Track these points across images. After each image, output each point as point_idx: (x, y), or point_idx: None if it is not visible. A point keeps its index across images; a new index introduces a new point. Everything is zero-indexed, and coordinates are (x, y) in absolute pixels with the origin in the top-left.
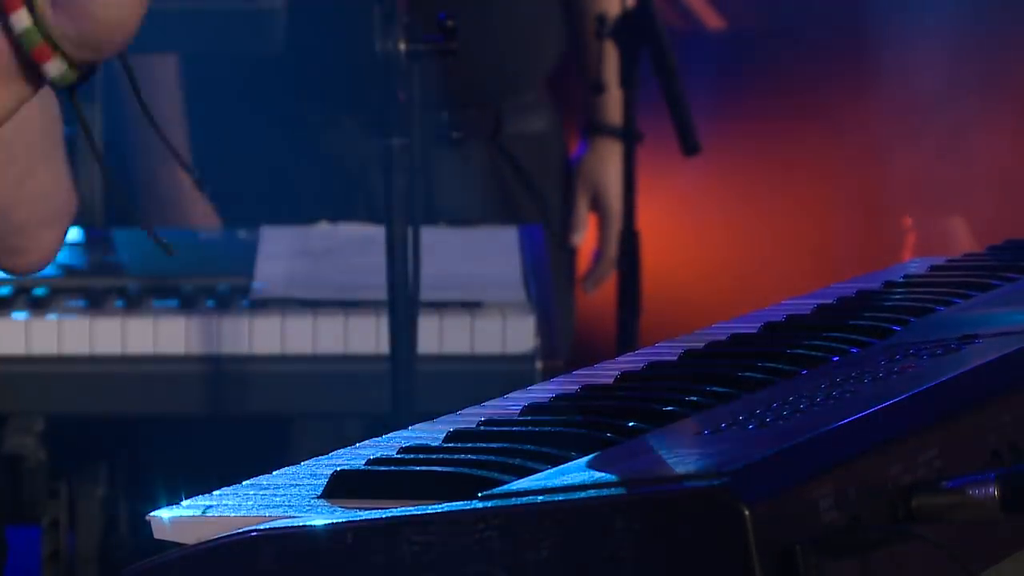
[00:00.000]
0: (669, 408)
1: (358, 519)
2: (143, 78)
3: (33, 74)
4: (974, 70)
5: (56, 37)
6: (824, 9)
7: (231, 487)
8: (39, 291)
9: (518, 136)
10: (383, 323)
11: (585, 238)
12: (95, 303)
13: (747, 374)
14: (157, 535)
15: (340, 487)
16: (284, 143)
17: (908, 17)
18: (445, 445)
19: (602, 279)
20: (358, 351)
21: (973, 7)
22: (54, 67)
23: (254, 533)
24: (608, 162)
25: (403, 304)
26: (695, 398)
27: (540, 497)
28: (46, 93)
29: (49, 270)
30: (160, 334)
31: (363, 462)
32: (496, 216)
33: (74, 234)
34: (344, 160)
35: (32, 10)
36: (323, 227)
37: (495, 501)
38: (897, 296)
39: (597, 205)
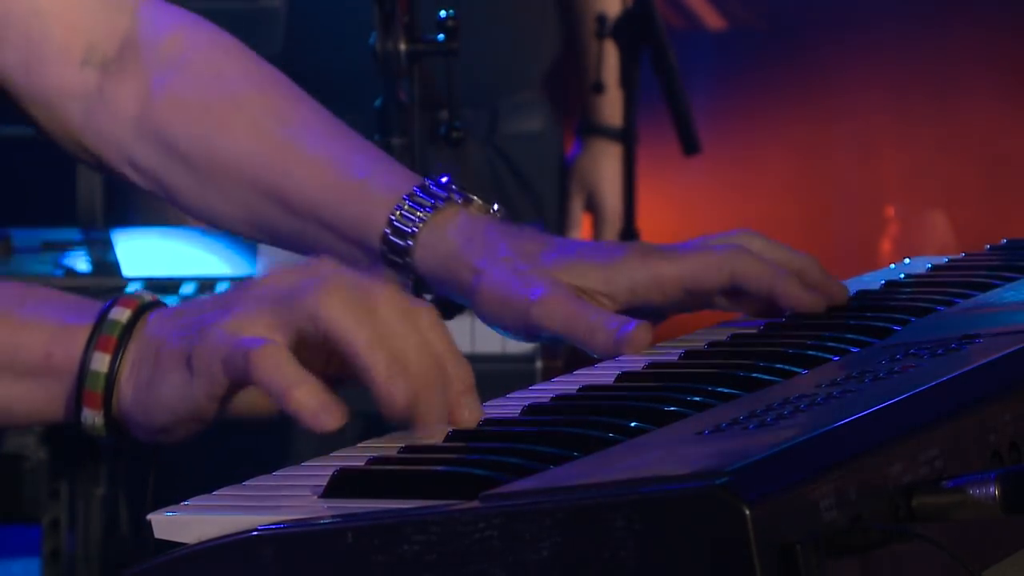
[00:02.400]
0: (670, 408)
1: (359, 518)
2: None
3: (68, 405)
4: (967, 70)
5: (115, 404)
6: (823, 9)
7: (232, 487)
8: None
9: (514, 135)
10: None
11: (580, 237)
12: None
13: (748, 374)
14: (157, 535)
15: (341, 486)
16: None
17: (905, 17)
18: (446, 444)
19: None
20: None
21: (970, 8)
22: (92, 416)
23: (255, 533)
24: (603, 162)
25: None
26: (696, 398)
27: (541, 497)
28: None
29: (48, 270)
30: None
31: (364, 461)
32: None
33: (73, 234)
34: None
35: (116, 360)
36: None
37: (495, 501)
38: (898, 295)
39: (592, 205)
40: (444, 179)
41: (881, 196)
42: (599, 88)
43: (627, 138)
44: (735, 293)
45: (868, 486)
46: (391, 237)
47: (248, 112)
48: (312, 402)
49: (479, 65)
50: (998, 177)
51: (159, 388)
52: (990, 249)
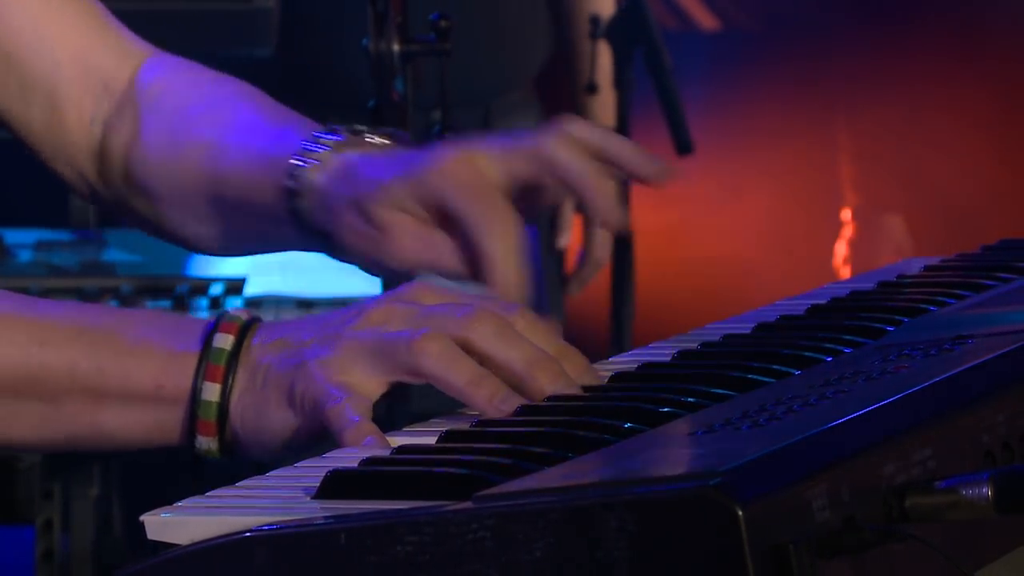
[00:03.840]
0: (663, 409)
1: (352, 519)
2: None
3: (181, 431)
4: (956, 70)
5: (227, 429)
6: (817, 9)
7: (225, 488)
8: (31, 291)
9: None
10: None
11: (571, 239)
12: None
13: (741, 374)
14: (150, 536)
15: (334, 487)
16: None
17: (900, 18)
18: (440, 445)
19: (587, 280)
20: None
21: (962, 11)
22: (207, 442)
23: (248, 534)
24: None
25: None
26: (689, 399)
27: (534, 498)
28: None
29: (41, 270)
30: None
31: (357, 462)
32: None
33: (66, 234)
34: None
35: (226, 388)
36: None
37: (489, 501)
38: (891, 296)
39: (583, 207)
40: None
41: (882, 195)
42: (592, 89)
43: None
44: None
45: (861, 486)
46: (287, 183)
47: (196, 131)
48: (368, 431)
49: (471, 66)
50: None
51: (270, 421)
52: (983, 249)
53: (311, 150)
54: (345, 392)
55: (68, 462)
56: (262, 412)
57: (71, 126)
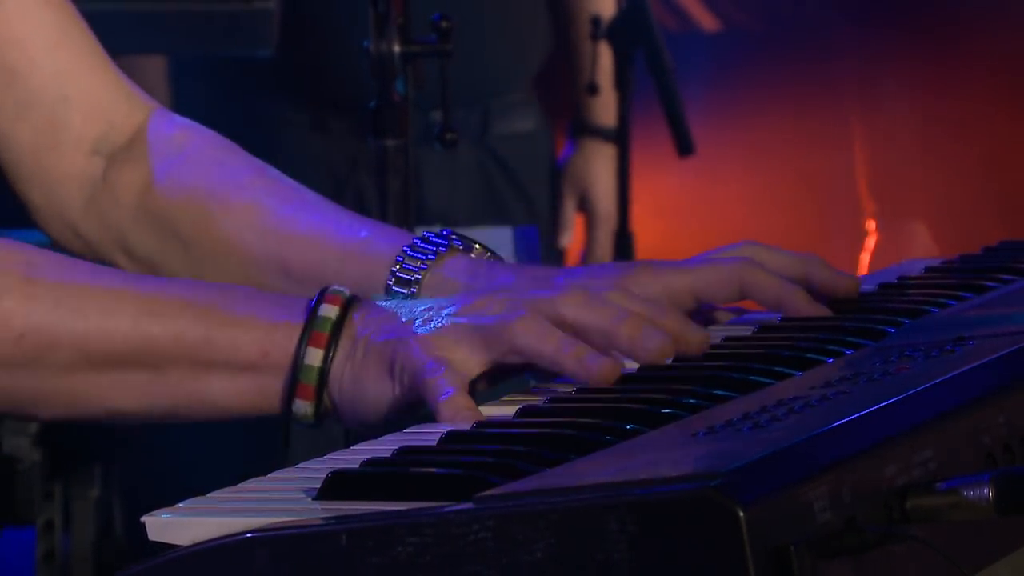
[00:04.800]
0: (664, 410)
1: (352, 520)
2: (138, 80)
3: (282, 397)
4: (961, 74)
5: (326, 395)
6: (818, 10)
7: (226, 489)
8: None
9: (506, 136)
10: None
11: (573, 239)
12: None
13: (742, 376)
14: (151, 537)
15: (335, 489)
16: (276, 144)
17: (899, 20)
18: (441, 447)
19: None
20: None
21: (962, 11)
22: (304, 406)
23: (249, 535)
24: (595, 164)
25: None
26: (690, 400)
27: (535, 499)
28: None
29: None
30: None
31: (358, 464)
32: (485, 217)
33: None
34: (335, 161)
35: (328, 354)
36: None
37: (489, 503)
38: (891, 298)
39: (585, 207)
40: (444, 232)
41: (900, 200)
42: (593, 89)
43: (621, 139)
44: None
45: (862, 488)
46: (395, 288)
47: (250, 193)
48: (463, 403)
49: (472, 66)
50: (991, 183)
51: (366, 390)
52: (984, 251)
53: (413, 257)
54: (442, 366)
55: (69, 463)
56: (360, 381)
57: (65, 152)
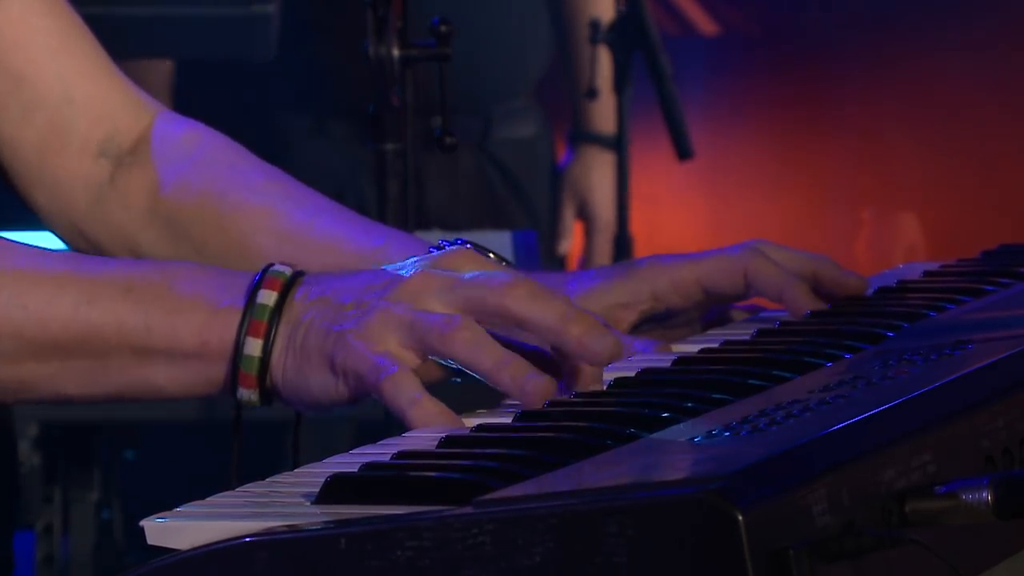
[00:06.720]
0: (663, 414)
1: (352, 525)
2: (141, 84)
3: (224, 383)
4: (958, 75)
5: (268, 380)
6: (817, 14)
7: (225, 493)
8: None
9: (506, 141)
10: None
11: (572, 245)
12: None
13: (741, 379)
14: (150, 541)
15: (334, 492)
16: (275, 148)
17: (899, 21)
18: (440, 451)
19: None
20: None
21: (961, 11)
22: (247, 393)
23: (248, 539)
24: (594, 170)
25: None
26: (689, 404)
27: (534, 503)
28: None
29: None
30: None
31: (357, 467)
32: (484, 221)
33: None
34: (335, 166)
35: (267, 344)
36: None
37: (489, 507)
38: (890, 301)
39: (584, 213)
40: (459, 240)
41: (879, 197)
42: (592, 94)
43: (620, 144)
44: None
45: (861, 491)
46: None
47: (263, 197)
48: (434, 410)
49: (472, 71)
50: (988, 180)
51: (309, 382)
52: (983, 255)
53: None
54: (391, 364)
55: (68, 467)
56: (302, 372)
57: (71, 154)
